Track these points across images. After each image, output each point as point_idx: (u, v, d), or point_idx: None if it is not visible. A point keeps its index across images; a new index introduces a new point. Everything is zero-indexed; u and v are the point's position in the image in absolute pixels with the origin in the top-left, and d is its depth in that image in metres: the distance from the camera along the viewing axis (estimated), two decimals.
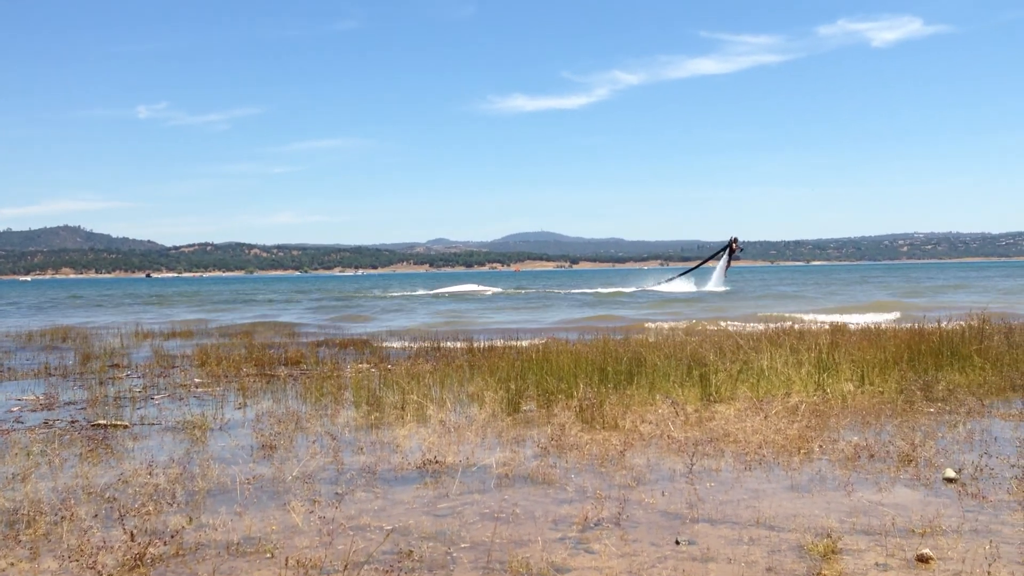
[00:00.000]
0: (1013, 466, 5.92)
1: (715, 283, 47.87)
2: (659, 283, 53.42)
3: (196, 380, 11.76)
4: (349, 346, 16.29)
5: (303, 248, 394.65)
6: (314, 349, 15.65)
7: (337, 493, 5.71)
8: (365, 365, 12.69)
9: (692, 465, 6.09)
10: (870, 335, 12.30)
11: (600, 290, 53.61)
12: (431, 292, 57.05)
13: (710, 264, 50.94)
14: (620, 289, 52.86)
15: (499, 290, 58.03)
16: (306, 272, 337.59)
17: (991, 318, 13.23)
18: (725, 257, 48.50)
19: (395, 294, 56.00)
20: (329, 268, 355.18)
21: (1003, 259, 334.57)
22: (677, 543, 4.58)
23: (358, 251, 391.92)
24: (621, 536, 4.73)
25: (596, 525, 4.92)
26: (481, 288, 59.79)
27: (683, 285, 49.69)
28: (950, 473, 5.74)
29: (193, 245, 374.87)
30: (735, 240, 48.20)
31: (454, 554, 4.52)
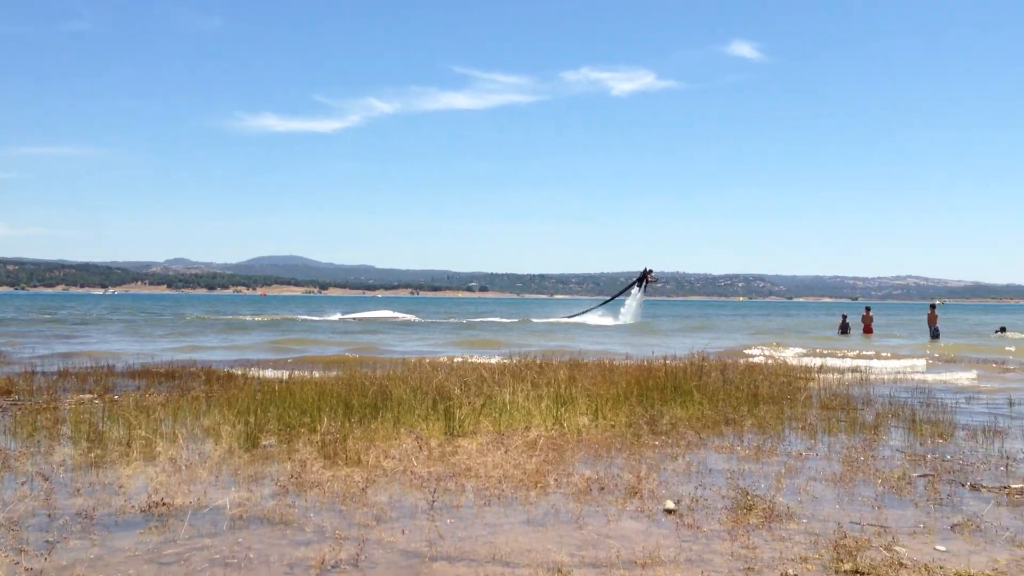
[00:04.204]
0: (724, 497, 6.45)
1: (631, 315, 47.53)
2: (571, 315, 52.27)
3: None
4: None
5: (20, 263, 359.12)
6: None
7: (47, 541, 5.19)
8: (88, 396, 11.71)
9: (434, 501, 6.11)
10: (604, 370, 13.01)
11: (534, 319, 52.99)
12: (350, 316, 53.63)
13: (622, 296, 50.60)
14: (530, 319, 52.24)
15: (416, 318, 54.89)
16: (23, 289, 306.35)
17: (709, 355, 14.46)
18: (639, 290, 48.33)
19: (313, 318, 52.90)
20: (51, 286, 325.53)
21: (722, 298, 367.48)
22: None
23: (85, 268, 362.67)
24: None
25: (334, 567, 4.81)
26: (400, 315, 56.36)
27: (596, 318, 49.04)
28: (670, 504, 6.16)
29: None
30: (649, 271, 48.29)
31: None
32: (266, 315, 58.97)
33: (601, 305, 52.91)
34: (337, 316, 55.17)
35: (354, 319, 51.53)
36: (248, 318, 53.09)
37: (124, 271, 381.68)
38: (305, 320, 50.93)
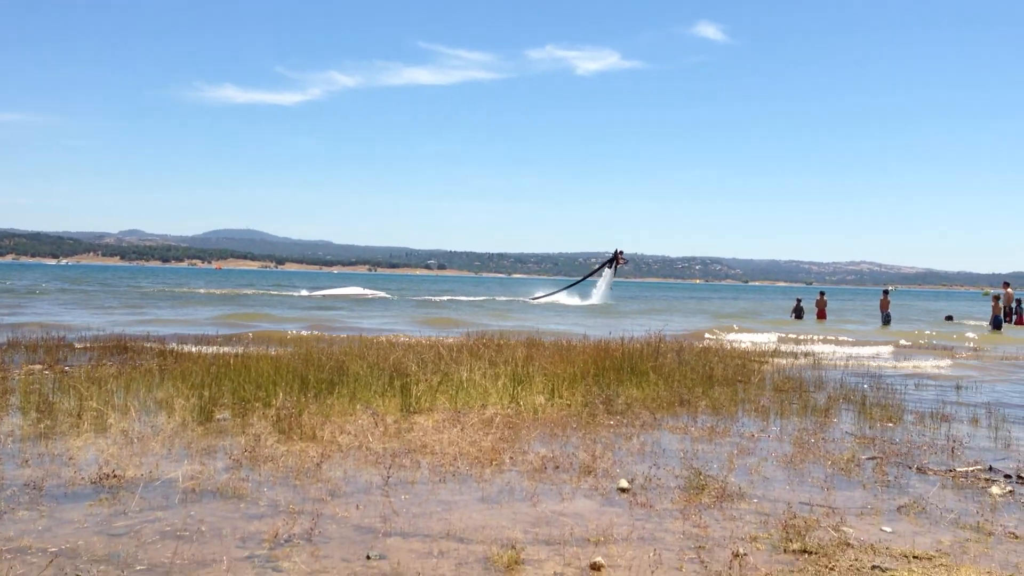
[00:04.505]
0: (677, 476, 6.53)
1: (600, 297, 47.41)
2: (541, 296, 51.59)
3: None
4: None
5: None
6: None
7: None
8: (38, 366, 11.50)
9: (388, 477, 6.11)
10: (562, 350, 13.06)
11: (498, 298, 53.22)
12: (317, 293, 52.28)
13: (593, 278, 50.47)
14: (494, 297, 52.73)
15: (387, 294, 54.25)
16: None
17: (665, 337, 14.58)
18: (610, 271, 48.23)
19: (273, 293, 52.40)
20: (1, 255, 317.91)
21: (679, 281, 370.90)
22: (368, 558, 4.57)
23: (36, 237, 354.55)
24: (312, 552, 4.63)
25: (287, 541, 4.79)
26: (371, 292, 54.95)
27: (566, 299, 48.63)
28: (623, 483, 6.22)
29: None
30: (620, 253, 48.08)
31: None
32: (225, 289, 58.20)
33: (572, 286, 52.51)
34: (303, 292, 54.12)
35: (322, 296, 50.70)
36: (204, 291, 52.47)
37: (76, 241, 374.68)
38: (265, 295, 50.40)
